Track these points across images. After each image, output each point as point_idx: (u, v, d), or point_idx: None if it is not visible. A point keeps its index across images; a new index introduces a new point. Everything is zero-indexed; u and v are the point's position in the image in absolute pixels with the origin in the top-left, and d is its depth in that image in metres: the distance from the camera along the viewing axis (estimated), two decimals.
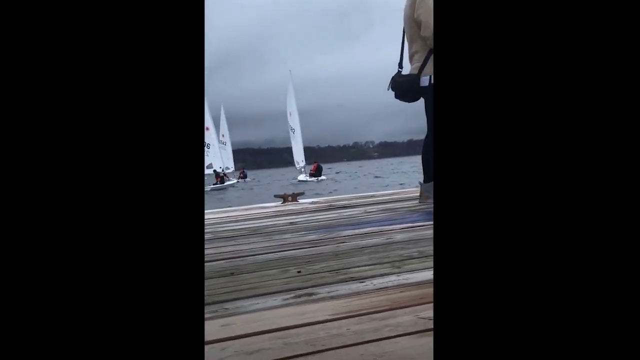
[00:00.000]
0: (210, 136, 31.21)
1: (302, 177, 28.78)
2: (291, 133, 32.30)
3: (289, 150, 32.82)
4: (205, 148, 30.42)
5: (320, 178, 27.47)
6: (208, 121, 31.38)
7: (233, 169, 29.91)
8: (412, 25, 3.45)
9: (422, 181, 3.64)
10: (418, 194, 3.74)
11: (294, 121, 32.08)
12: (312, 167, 29.42)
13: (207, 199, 19.15)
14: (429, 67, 3.42)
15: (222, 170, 29.40)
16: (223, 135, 31.28)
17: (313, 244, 2.29)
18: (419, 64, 3.46)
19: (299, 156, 31.61)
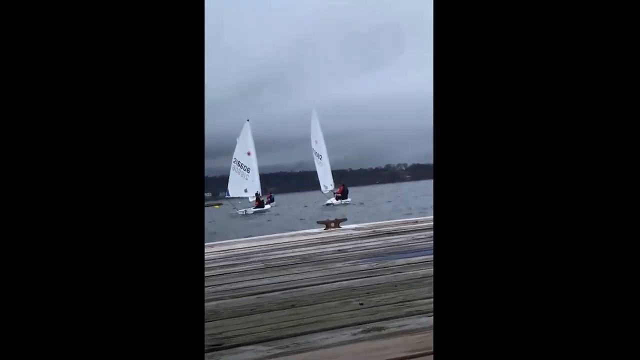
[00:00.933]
0: (251, 161, 31.60)
1: (330, 200, 28.93)
2: (317, 159, 33.14)
3: (317, 174, 33.16)
4: (245, 172, 31.05)
5: (345, 201, 27.55)
6: (250, 146, 31.91)
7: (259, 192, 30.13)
8: None
9: None
10: None
11: (320, 148, 33.10)
12: (337, 190, 29.68)
13: (244, 223, 19.26)
14: None
15: (259, 194, 29.47)
16: (249, 153, 31.48)
17: (367, 273, 2.28)
18: None
19: (326, 180, 32.32)
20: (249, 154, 31.64)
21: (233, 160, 31.32)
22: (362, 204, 25.90)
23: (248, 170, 31.40)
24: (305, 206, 27.32)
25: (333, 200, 28.81)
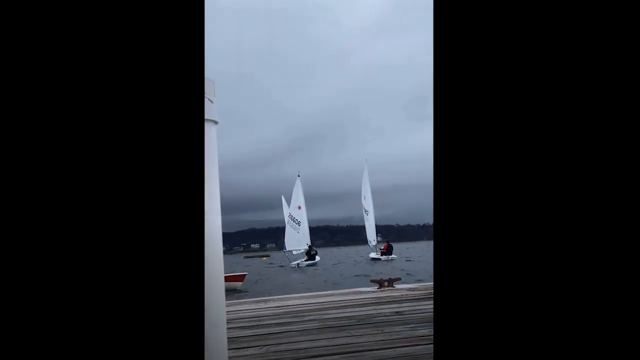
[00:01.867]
0: (302, 215, 32.67)
1: (373, 254, 29.46)
2: (365, 214, 34.53)
3: (364, 229, 34.16)
4: (297, 225, 32.25)
5: (391, 257, 27.70)
6: (300, 200, 33.09)
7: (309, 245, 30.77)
8: None
9: None
10: None
11: (368, 204, 34.42)
12: (383, 246, 30.19)
13: (293, 276, 19.17)
14: None
15: (310, 247, 29.97)
16: (299, 207, 32.56)
17: (428, 340, 2.22)
18: None
19: (371, 235, 33.27)
20: (299, 208, 32.45)
21: (288, 215, 32.32)
22: (408, 260, 25.66)
23: (299, 223, 32.32)
24: (355, 260, 27.29)
25: (375, 254, 29.11)
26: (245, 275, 14.55)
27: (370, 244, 32.71)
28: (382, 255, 28.25)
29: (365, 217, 34.19)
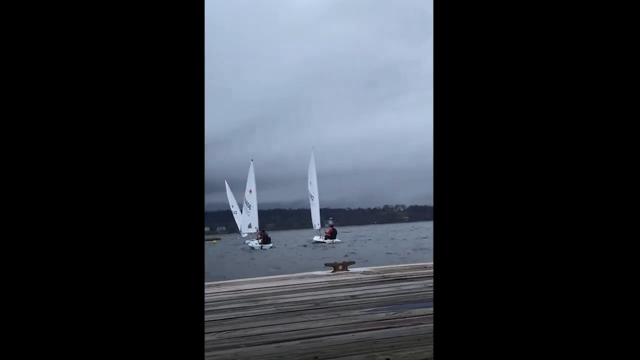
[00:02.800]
0: (252, 199, 33.65)
1: (317, 238, 30.95)
2: (310, 200, 36.05)
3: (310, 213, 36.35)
4: (248, 208, 32.95)
5: (335, 241, 29.32)
6: (252, 184, 34.03)
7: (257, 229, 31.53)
8: None
9: None
10: None
11: (314, 189, 35.93)
12: (327, 230, 32.03)
13: (245, 259, 19.11)
14: None
15: (261, 231, 30.81)
16: (250, 191, 33.65)
17: (387, 324, 2.21)
18: None
19: (316, 220, 34.94)
20: (250, 191, 33.04)
21: (244, 198, 33.70)
22: (350, 246, 26.53)
23: (250, 207, 33.01)
24: (305, 246, 27.90)
25: (319, 237, 30.62)
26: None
27: (315, 228, 34.22)
28: (326, 239, 29.54)
29: (310, 202, 35.61)
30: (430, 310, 2.46)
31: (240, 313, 2.67)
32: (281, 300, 3.06)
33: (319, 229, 33.28)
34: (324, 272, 4.56)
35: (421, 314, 2.39)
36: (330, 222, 33.66)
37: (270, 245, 28.16)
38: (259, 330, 2.19)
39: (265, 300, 3.12)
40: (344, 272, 4.50)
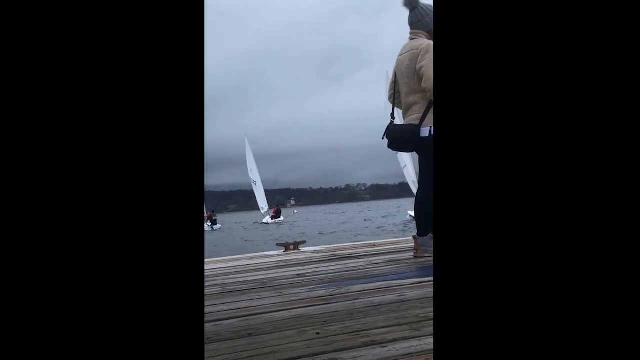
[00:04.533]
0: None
1: (265, 219, 33.36)
2: (254, 185, 38.83)
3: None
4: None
5: (279, 219, 30.86)
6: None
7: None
8: (412, 76, 3.48)
9: (416, 234, 3.58)
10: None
11: (255, 175, 38.93)
12: (272, 210, 34.31)
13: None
14: (429, 118, 3.44)
15: (211, 212, 32.53)
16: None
17: (325, 300, 2.30)
18: (419, 115, 3.48)
19: (262, 203, 37.90)
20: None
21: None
22: (292, 223, 27.68)
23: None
24: (245, 228, 29.01)
25: (268, 219, 32.78)
26: None
27: (262, 211, 36.77)
28: (272, 219, 31.22)
29: (254, 187, 38.43)
30: (369, 285, 2.56)
31: None
32: (228, 281, 3.12)
33: (266, 211, 35.96)
34: (275, 252, 4.63)
35: (359, 290, 2.49)
36: (292, 202, 35.44)
37: (219, 226, 29.79)
38: None
39: (213, 280, 3.17)
40: (295, 251, 4.58)
